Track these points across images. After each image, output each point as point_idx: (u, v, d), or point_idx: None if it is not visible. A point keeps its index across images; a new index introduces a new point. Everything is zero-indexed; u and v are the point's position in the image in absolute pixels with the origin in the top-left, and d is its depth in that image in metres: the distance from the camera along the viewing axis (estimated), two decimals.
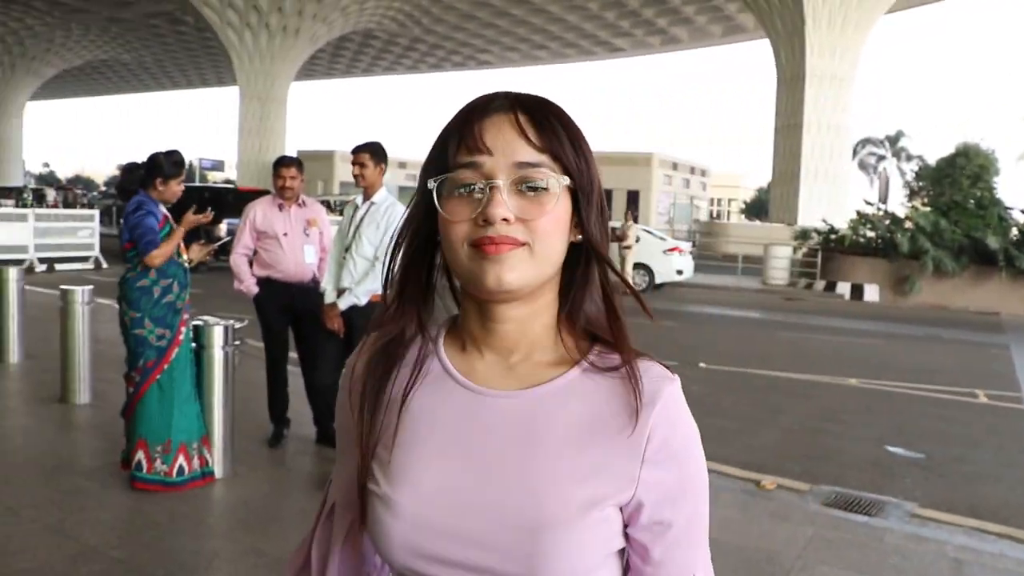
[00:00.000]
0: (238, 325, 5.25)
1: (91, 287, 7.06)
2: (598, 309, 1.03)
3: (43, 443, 5.73)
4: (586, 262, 1.02)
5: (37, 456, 5.40)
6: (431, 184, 0.97)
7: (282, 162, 5.74)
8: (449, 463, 0.97)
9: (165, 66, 67.44)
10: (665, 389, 0.98)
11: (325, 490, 1.14)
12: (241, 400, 5.46)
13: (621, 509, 0.97)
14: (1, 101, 58.97)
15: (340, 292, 5.21)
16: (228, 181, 55.91)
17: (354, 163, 5.19)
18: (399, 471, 0.99)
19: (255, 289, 5.65)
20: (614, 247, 19.31)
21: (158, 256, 4.67)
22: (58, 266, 18.15)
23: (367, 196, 5.23)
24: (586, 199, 0.99)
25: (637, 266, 19.38)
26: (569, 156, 0.97)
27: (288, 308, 5.68)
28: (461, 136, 0.97)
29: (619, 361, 1.00)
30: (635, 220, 19.99)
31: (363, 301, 5.09)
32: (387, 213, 5.14)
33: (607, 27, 49.84)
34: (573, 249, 1.01)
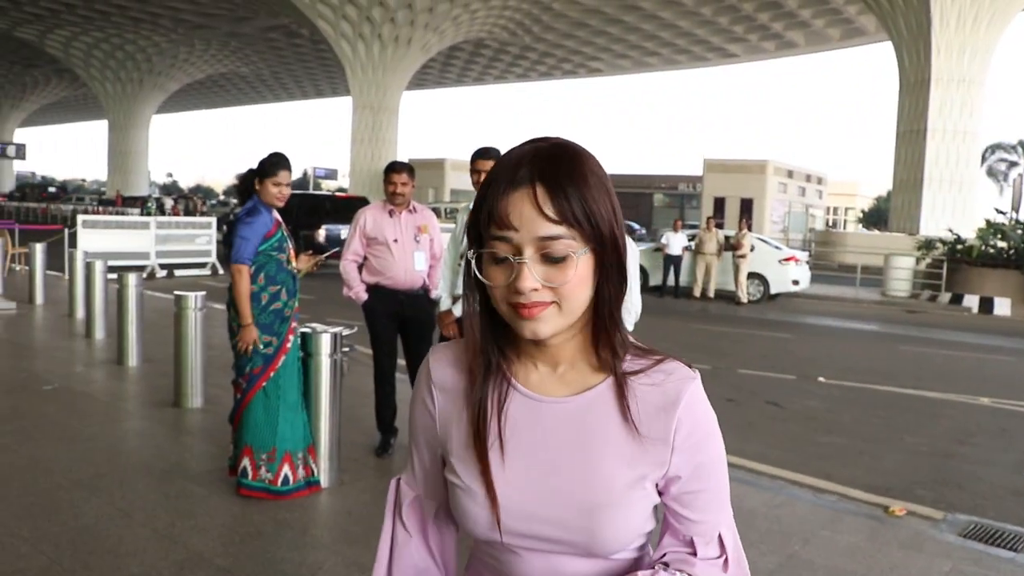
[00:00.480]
0: (347, 332, 5.19)
1: (204, 293, 7.15)
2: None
3: (155, 446, 5.81)
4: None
5: (149, 459, 5.47)
6: (470, 255, 1.16)
7: (393, 168, 5.65)
8: (518, 457, 1.19)
9: (281, 78, 69.54)
10: (687, 388, 1.19)
11: (395, 484, 1.39)
12: (348, 408, 5.40)
13: (656, 484, 1.20)
14: (130, 115, 61.83)
15: (455, 299, 5.11)
16: (340, 189, 57.28)
17: (476, 170, 4.91)
18: (478, 465, 1.21)
19: (364, 296, 5.60)
20: (728, 256, 18.88)
21: (238, 272, 4.67)
22: (177, 272, 18.76)
23: None
24: (598, 256, 1.13)
25: (752, 275, 18.85)
26: (582, 222, 1.10)
27: (397, 315, 5.62)
28: (490, 212, 1.12)
29: (647, 364, 1.20)
30: (749, 228, 19.48)
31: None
32: None
33: (720, 32, 48.99)
34: None
